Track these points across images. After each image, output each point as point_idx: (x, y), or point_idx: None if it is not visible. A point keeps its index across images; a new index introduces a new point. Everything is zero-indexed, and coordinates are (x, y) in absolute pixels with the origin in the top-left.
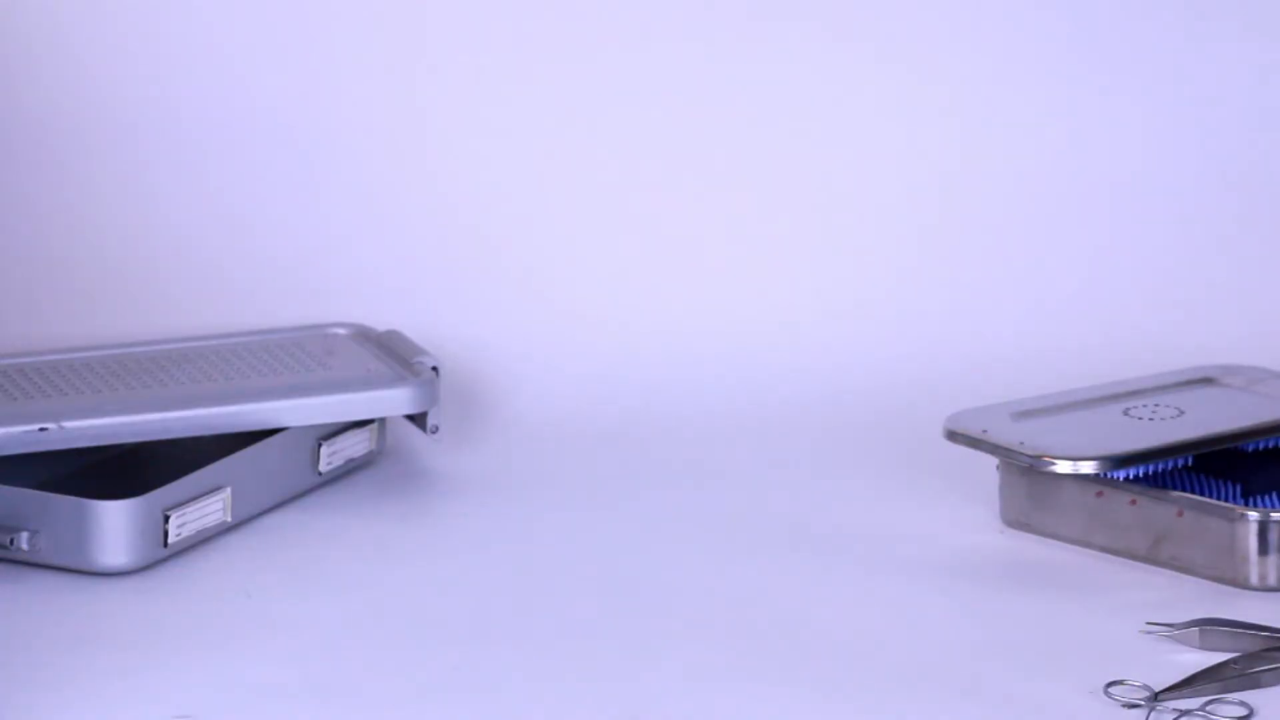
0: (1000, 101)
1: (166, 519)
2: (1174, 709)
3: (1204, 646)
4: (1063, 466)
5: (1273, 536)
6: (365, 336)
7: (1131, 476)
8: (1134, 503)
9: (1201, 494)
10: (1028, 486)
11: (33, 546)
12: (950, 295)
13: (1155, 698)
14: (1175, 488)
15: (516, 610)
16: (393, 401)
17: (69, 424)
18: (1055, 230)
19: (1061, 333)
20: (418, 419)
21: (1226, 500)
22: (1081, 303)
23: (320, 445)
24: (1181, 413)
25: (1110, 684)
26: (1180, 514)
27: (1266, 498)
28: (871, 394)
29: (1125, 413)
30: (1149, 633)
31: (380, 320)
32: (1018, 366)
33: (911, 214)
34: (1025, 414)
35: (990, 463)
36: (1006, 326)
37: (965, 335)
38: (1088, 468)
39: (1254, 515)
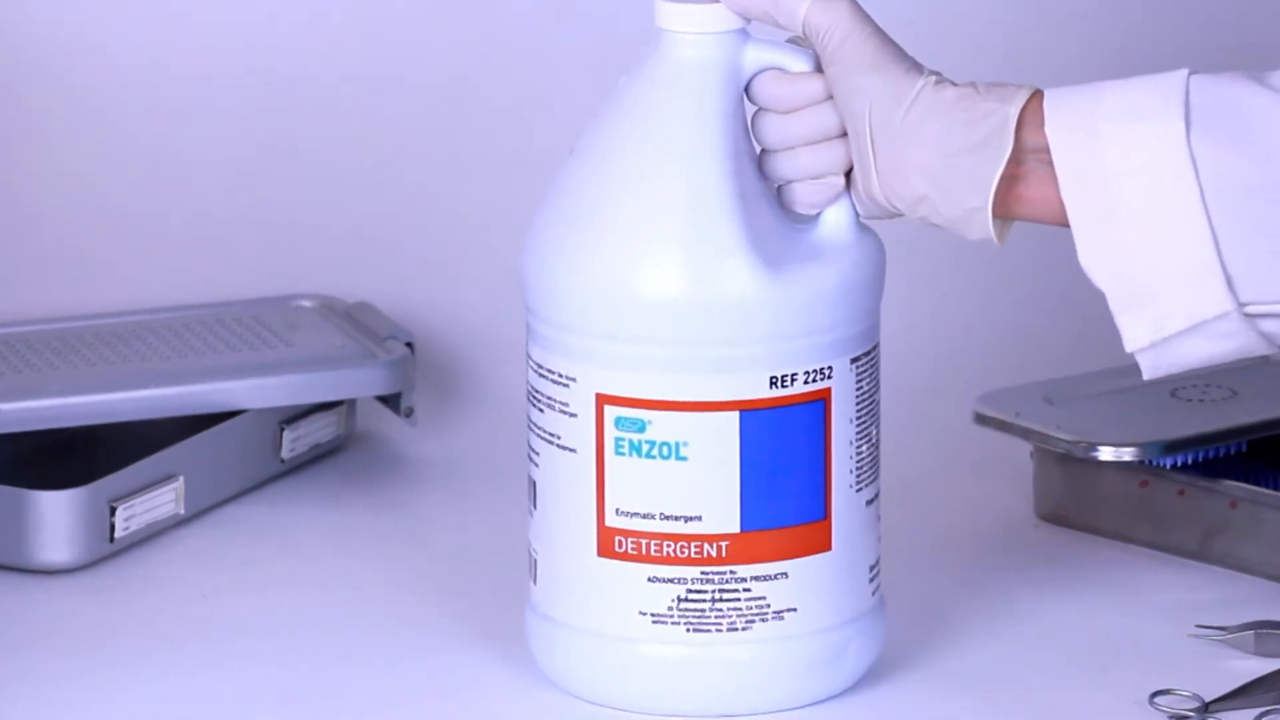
0: (1024, 66)
1: (113, 511)
2: None
3: (1259, 652)
4: (1104, 453)
5: None
6: (332, 309)
7: (1180, 464)
8: (1183, 493)
9: (1257, 484)
10: (1065, 476)
11: None
12: (980, 266)
13: (1206, 708)
14: (1228, 477)
15: (500, 609)
16: (363, 381)
17: (4, 406)
18: None
19: (1103, 306)
20: (390, 401)
21: None
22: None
23: (282, 430)
24: (1235, 394)
25: (1156, 693)
26: (1234, 505)
27: None
28: (892, 374)
29: (1173, 394)
30: (1199, 637)
31: (349, 291)
32: (1054, 343)
33: None
34: (1062, 395)
35: (1023, 449)
36: (1042, 299)
37: (997, 309)
38: (1131, 454)
39: None
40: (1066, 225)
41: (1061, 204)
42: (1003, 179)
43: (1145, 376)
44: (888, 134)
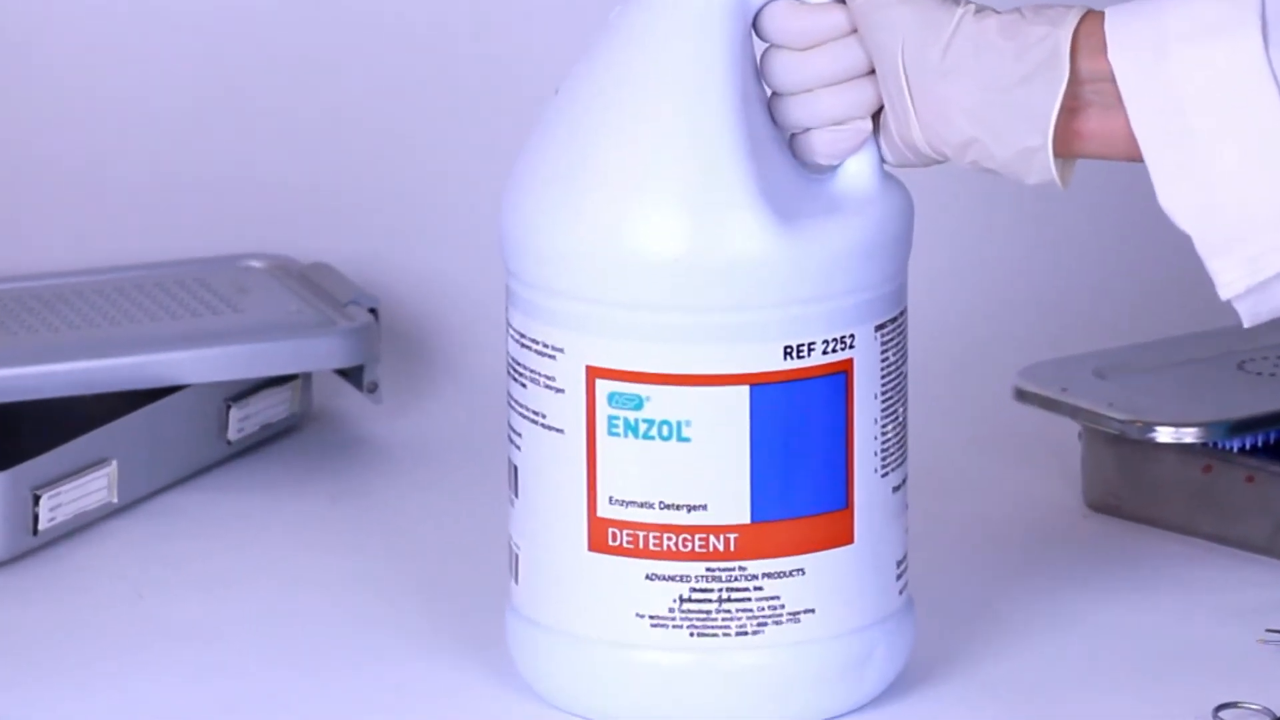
0: None
1: (37, 500)
2: None
3: None
4: (1163, 434)
5: None
6: (285, 271)
7: (1248, 447)
8: (1251, 480)
9: None
10: (1118, 460)
11: None
12: (1020, 220)
13: None
14: None
15: (477, 611)
16: (320, 352)
17: None
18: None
19: (1160, 269)
20: (352, 375)
21: None
22: (1184, 240)
23: (229, 407)
24: None
25: (1221, 706)
26: None
27: None
28: (920, 345)
29: (1240, 367)
30: (1268, 642)
31: (305, 250)
32: (1106, 309)
33: None
34: (1115, 369)
35: (1071, 430)
36: (1093, 258)
37: (1040, 269)
38: (1193, 436)
39: None
40: (1136, 160)
41: (1130, 137)
42: (1060, 113)
43: (1245, 324)
44: (925, 72)
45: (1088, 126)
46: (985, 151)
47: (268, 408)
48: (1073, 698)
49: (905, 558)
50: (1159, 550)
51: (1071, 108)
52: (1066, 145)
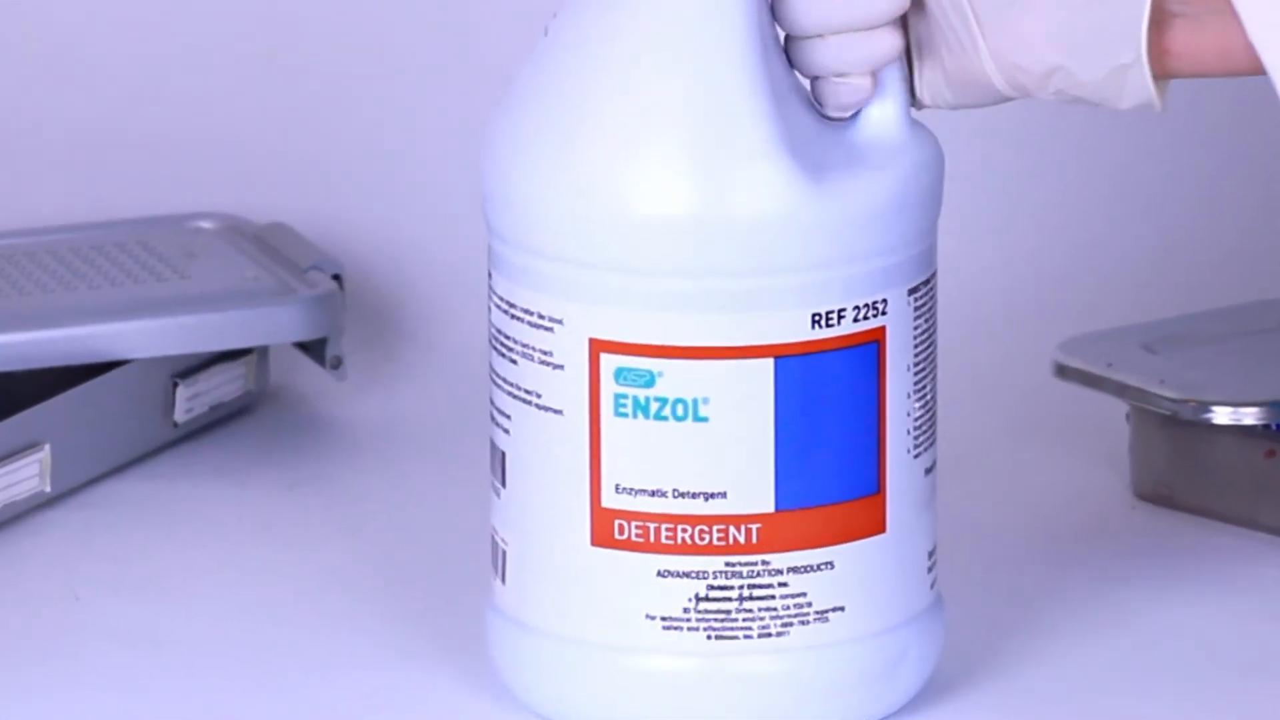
0: None
1: None
2: None
3: None
4: (1220, 415)
5: None
6: (239, 232)
7: None
8: None
9: None
10: (1170, 444)
11: None
12: (1059, 173)
13: None
14: None
15: (455, 612)
16: (278, 324)
17: None
18: (1200, 103)
19: (1219, 228)
20: (313, 349)
21: None
22: (1244, 197)
23: (175, 386)
24: None
25: None
26: None
27: None
28: (948, 314)
29: None
30: None
31: (261, 210)
32: (1158, 274)
33: None
34: (1167, 341)
35: (1118, 410)
36: (1142, 216)
37: (1083, 229)
38: (1254, 416)
39: None
40: (1240, 75)
41: (1223, 52)
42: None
43: None
44: (995, 1)
45: (1175, 43)
46: (1071, 78)
47: (219, 386)
48: (1118, 708)
49: (935, 549)
50: (1216, 545)
51: (1156, 21)
52: (1156, 64)
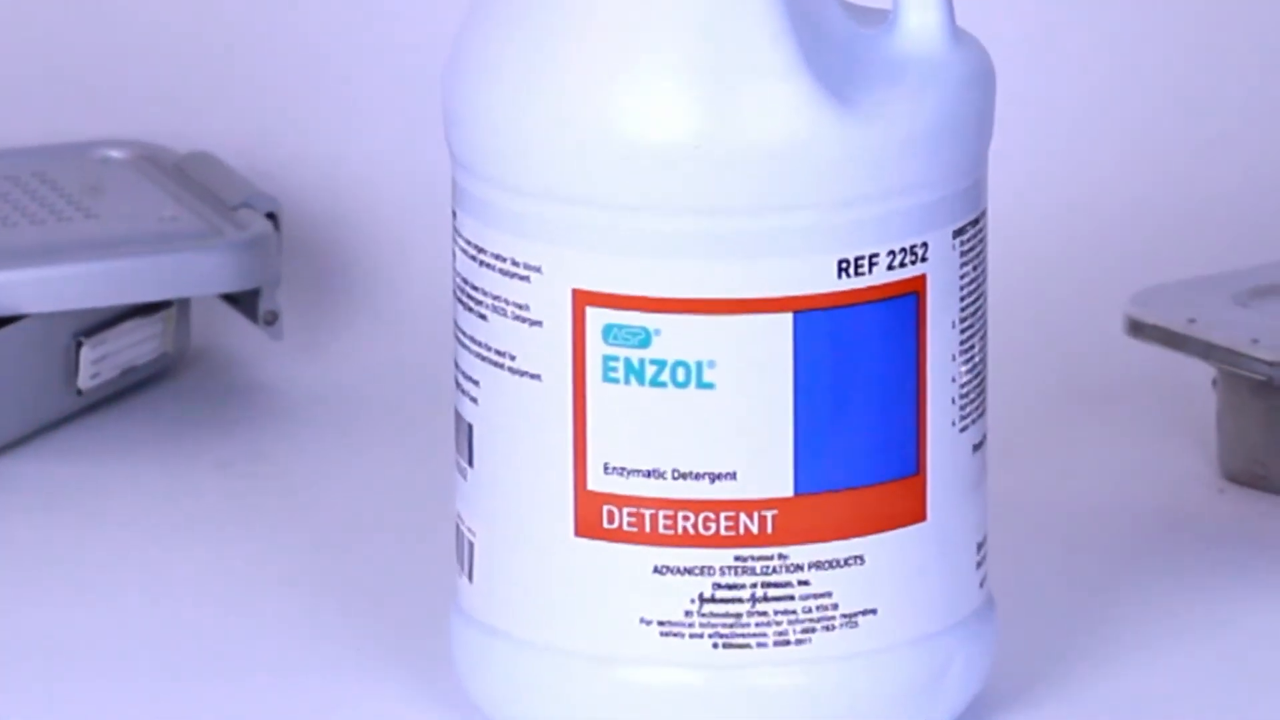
0: None
1: None
2: None
3: None
4: None
5: None
6: (155, 163)
7: None
8: None
9: None
10: (1265, 415)
11: None
12: (1133, 95)
13: None
14: None
15: (412, 615)
16: (202, 272)
17: None
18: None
19: None
20: (244, 301)
21: None
22: None
23: (80, 346)
24: None
25: None
26: None
27: None
28: (1001, 263)
29: None
30: None
31: (181, 138)
32: (1247, 215)
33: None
34: (1260, 293)
35: (1203, 375)
36: (1228, 149)
37: (1160, 163)
38: None
39: None
40: None
41: None
42: None
43: None
44: None
45: None
46: None
47: (131, 346)
48: None
49: (985, 541)
50: None
51: None
52: None
